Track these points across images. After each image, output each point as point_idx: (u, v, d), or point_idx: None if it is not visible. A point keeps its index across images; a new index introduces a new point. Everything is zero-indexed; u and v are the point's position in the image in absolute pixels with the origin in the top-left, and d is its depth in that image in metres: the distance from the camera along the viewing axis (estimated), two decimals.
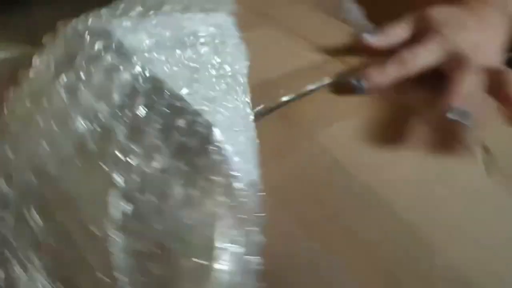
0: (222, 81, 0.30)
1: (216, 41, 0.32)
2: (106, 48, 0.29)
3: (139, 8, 0.32)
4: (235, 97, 0.30)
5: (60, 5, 0.43)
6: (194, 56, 0.30)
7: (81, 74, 0.29)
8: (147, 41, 0.30)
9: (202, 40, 0.31)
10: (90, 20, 0.31)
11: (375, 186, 0.29)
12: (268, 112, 0.34)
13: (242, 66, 0.32)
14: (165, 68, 0.29)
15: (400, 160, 0.31)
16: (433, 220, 0.28)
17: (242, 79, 0.31)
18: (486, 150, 0.33)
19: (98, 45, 0.29)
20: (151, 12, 0.32)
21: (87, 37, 0.30)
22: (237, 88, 0.30)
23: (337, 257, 0.27)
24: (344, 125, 0.33)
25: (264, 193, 0.28)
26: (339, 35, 0.42)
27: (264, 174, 0.29)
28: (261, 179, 0.28)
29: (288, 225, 0.29)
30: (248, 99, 0.31)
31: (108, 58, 0.29)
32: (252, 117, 0.30)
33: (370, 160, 0.31)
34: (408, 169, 0.31)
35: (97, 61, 0.29)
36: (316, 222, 0.29)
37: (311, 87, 0.36)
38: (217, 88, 0.29)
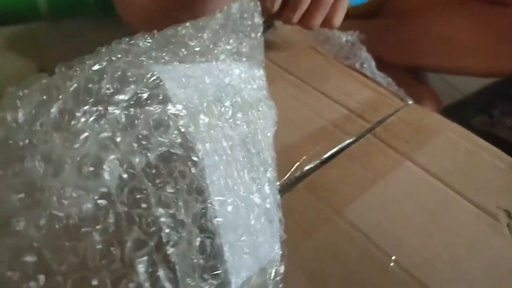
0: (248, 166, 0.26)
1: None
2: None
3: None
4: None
5: None
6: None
7: None
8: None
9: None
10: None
11: (407, 265, 0.29)
12: (293, 184, 0.33)
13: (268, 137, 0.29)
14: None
15: (430, 237, 0.31)
16: None
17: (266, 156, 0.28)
18: (509, 215, 0.33)
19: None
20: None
21: None
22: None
23: None
24: (369, 195, 0.33)
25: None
26: (357, 88, 0.42)
27: (294, 250, 0.28)
28: (290, 255, 0.28)
29: None
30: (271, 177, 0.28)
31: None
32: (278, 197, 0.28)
33: (399, 235, 0.31)
34: (439, 246, 0.31)
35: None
36: None
37: (333, 150, 0.36)
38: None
